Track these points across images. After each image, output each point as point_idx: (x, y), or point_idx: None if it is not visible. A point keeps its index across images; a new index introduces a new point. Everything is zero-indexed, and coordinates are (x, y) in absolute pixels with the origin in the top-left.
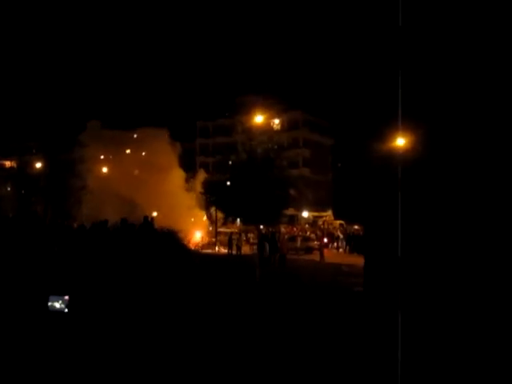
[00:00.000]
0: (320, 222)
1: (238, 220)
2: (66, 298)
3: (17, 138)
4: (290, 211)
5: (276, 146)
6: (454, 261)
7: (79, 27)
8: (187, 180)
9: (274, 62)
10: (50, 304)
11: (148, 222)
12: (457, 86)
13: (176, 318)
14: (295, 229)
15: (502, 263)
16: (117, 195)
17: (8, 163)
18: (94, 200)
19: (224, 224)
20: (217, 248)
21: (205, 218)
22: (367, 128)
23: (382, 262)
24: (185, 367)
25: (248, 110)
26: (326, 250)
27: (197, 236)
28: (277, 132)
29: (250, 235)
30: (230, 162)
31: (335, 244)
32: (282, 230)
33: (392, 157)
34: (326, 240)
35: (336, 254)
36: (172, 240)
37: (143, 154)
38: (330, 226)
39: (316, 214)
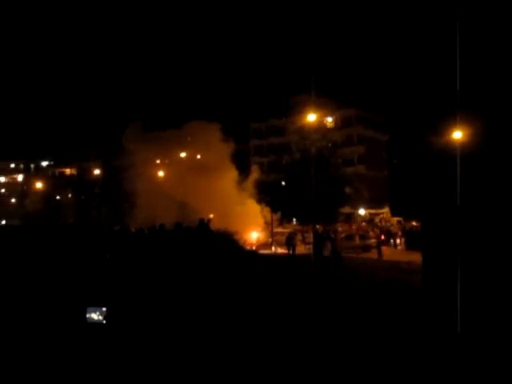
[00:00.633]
0: (377, 220)
1: (294, 220)
2: (104, 309)
3: (75, 146)
4: (346, 209)
5: (330, 144)
6: None
7: (117, 31)
8: (241, 180)
9: (325, 60)
10: (87, 316)
11: (204, 224)
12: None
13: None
14: (353, 227)
15: None
16: (171, 198)
17: (68, 171)
18: (149, 204)
19: (280, 224)
20: (273, 248)
21: (260, 218)
22: (423, 122)
23: (440, 258)
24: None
25: (301, 109)
26: (384, 248)
27: (253, 236)
28: (330, 130)
29: (307, 235)
30: (284, 162)
31: (393, 241)
32: (340, 228)
33: (449, 150)
34: (383, 237)
35: (394, 252)
36: (229, 242)
37: (197, 156)
38: (388, 224)
39: (373, 211)
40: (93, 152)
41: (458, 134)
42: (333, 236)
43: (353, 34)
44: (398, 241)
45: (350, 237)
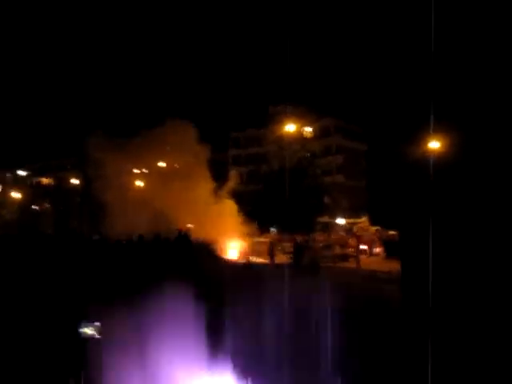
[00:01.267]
0: (355, 229)
1: (271, 230)
2: (98, 324)
3: (52, 156)
4: (325, 219)
5: (309, 154)
6: (489, 263)
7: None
8: (219, 189)
9: (303, 70)
10: (81, 330)
11: (182, 235)
12: (488, 88)
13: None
14: (332, 236)
15: None
16: (146, 206)
17: (45, 180)
18: (124, 213)
19: (259, 234)
20: (252, 258)
21: (238, 226)
22: (400, 132)
23: (418, 266)
24: None
25: (279, 119)
26: (362, 257)
27: (232, 246)
28: (309, 140)
29: (286, 244)
30: (263, 172)
31: (371, 250)
32: (319, 238)
33: (426, 160)
34: (362, 247)
35: (373, 261)
36: (207, 252)
37: (173, 162)
38: (366, 233)
39: (351, 220)
40: (69, 162)
41: (434, 145)
42: (311, 245)
43: (332, 45)
44: (376, 250)
45: (328, 246)
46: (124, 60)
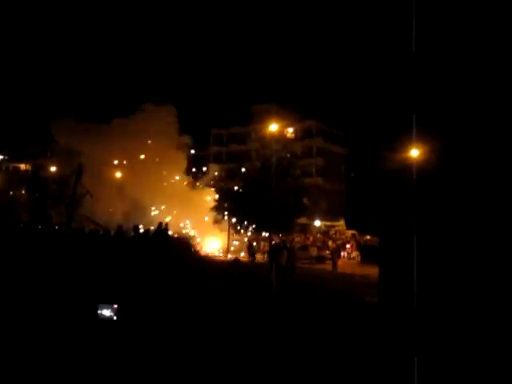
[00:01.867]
0: (332, 232)
1: (250, 228)
2: (115, 306)
3: (31, 142)
4: (303, 220)
5: (289, 155)
6: (470, 270)
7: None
8: (198, 183)
9: (289, 71)
10: (99, 312)
11: (161, 228)
12: (471, 96)
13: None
14: (310, 238)
15: None
16: (124, 195)
17: (23, 166)
18: (101, 201)
19: (237, 232)
20: (229, 255)
21: (216, 223)
22: (381, 138)
23: (397, 272)
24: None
25: (263, 118)
26: (338, 260)
27: (210, 242)
28: (291, 141)
29: (263, 243)
30: (244, 170)
31: (347, 254)
32: (297, 238)
33: (406, 167)
34: (338, 250)
35: (348, 264)
36: (185, 247)
37: (148, 142)
38: (343, 236)
39: (328, 223)
40: (48, 148)
41: (415, 152)
42: (289, 246)
43: (316, 48)
44: (353, 254)
45: (305, 247)
46: (113, 55)
